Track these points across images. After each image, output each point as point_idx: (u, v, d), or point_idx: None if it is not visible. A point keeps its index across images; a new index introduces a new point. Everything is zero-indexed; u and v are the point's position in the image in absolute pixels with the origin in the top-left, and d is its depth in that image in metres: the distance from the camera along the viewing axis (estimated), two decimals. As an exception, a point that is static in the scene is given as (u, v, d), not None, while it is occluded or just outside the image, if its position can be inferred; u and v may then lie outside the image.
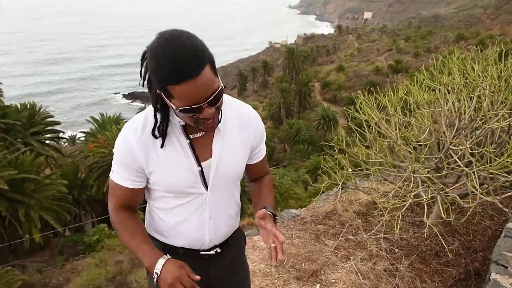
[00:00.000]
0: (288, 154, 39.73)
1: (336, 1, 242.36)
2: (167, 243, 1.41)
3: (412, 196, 2.51)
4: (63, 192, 18.54)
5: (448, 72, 3.18)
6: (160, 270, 1.19)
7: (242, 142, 1.38)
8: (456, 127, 2.70)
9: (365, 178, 3.61)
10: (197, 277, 1.18)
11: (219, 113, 1.23)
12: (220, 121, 1.28)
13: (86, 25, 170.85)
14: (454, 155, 2.54)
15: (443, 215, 2.41)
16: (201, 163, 1.30)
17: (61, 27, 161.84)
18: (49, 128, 24.61)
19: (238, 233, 1.55)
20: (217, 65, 1.24)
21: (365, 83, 44.31)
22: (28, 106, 23.73)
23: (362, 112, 3.13)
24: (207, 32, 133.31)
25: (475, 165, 2.40)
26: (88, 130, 27.03)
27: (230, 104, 1.36)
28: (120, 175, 1.30)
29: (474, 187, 2.30)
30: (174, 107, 1.14)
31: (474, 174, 2.32)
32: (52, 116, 25.52)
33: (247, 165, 1.46)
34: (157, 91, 1.16)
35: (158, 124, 1.24)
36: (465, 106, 2.81)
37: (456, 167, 2.51)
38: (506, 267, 2.11)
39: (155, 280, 1.19)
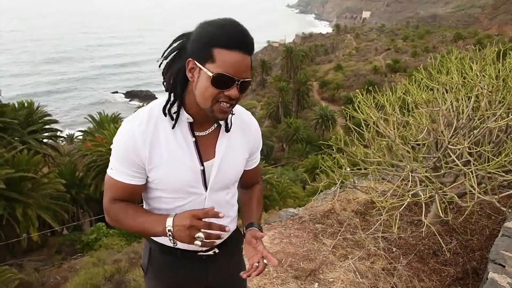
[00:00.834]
0: (286, 153, 39.72)
1: (334, 0, 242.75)
2: (165, 244, 1.39)
3: (410, 195, 2.51)
4: (60, 191, 18.48)
5: (446, 71, 3.18)
6: (171, 226, 1.18)
7: (243, 146, 1.40)
8: (454, 126, 2.70)
9: (363, 177, 3.62)
10: (212, 209, 1.19)
11: (235, 105, 1.23)
12: (233, 115, 1.33)
13: (84, 24, 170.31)
14: (452, 155, 2.55)
15: (441, 214, 2.42)
16: (204, 163, 1.30)
17: (60, 26, 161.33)
18: (47, 126, 24.55)
19: (236, 233, 1.55)
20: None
21: (363, 82, 44.46)
22: (25, 104, 23.65)
23: (360, 111, 3.13)
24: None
25: (473, 164, 2.40)
26: (86, 129, 27.00)
27: (235, 109, 1.36)
28: (120, 171, 1.26)
29: (472, 186, 2.30)
30: (209, 72, 1.13)
31: (472, 174, 2.32)
32: (49, 115, 25.44)
33: None
34: (189, 59, 1.16)
35: (171, 102, 1.24)
36: (463, 105, 2.81)
37: (454, 166, 2.52)
38: (504, 266, 2.11)
39: (172, 240, 1.19)
